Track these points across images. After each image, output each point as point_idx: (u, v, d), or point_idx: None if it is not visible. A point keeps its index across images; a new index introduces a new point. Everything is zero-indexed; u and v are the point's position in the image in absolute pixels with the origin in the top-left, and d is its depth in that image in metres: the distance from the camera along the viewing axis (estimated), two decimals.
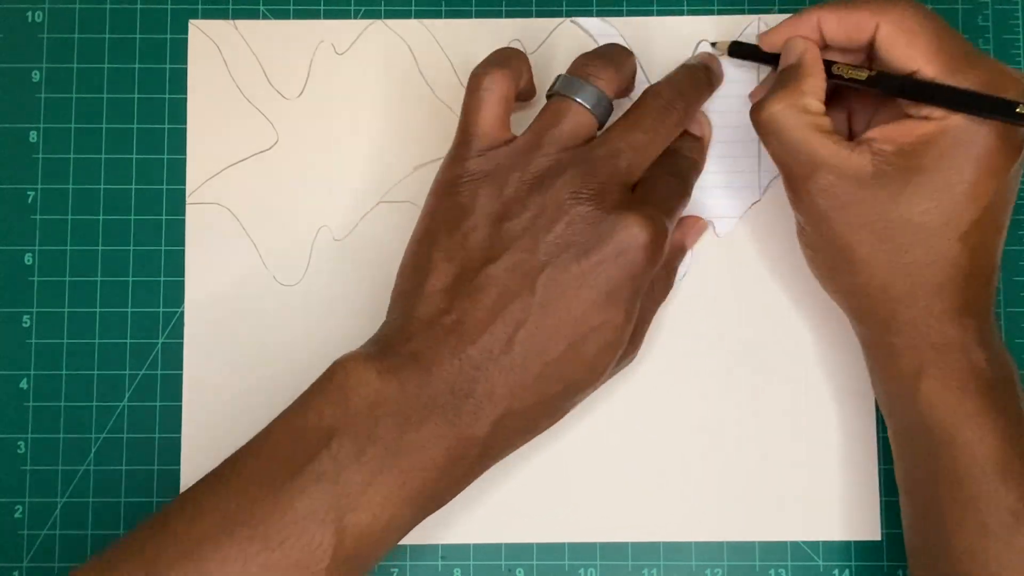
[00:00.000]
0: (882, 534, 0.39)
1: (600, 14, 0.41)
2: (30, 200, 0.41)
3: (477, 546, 0.39)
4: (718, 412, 0.40)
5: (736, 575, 0.39)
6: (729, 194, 0.41)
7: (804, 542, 0.39)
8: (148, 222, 0.41)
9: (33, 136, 0.41)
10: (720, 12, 0.41)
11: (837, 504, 0.39)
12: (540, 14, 0.41)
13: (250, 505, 0.30)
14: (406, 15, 0.42)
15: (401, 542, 0.39)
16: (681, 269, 0.40)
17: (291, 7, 0.42)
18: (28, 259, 0.40)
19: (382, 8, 0.42)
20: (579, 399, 0.35)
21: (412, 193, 0.41)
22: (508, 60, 0.36)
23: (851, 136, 0.38)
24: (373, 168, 0.41)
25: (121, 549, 0.31)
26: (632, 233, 0.32)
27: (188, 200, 0.41)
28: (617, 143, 0.34)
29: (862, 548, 0.39)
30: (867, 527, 0.39)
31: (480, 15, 0.42)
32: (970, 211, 0.33)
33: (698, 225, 0.40)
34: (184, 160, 0.41)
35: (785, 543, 0.39)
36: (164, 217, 0.41)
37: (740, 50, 0.40)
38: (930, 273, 0.33)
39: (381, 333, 0.34)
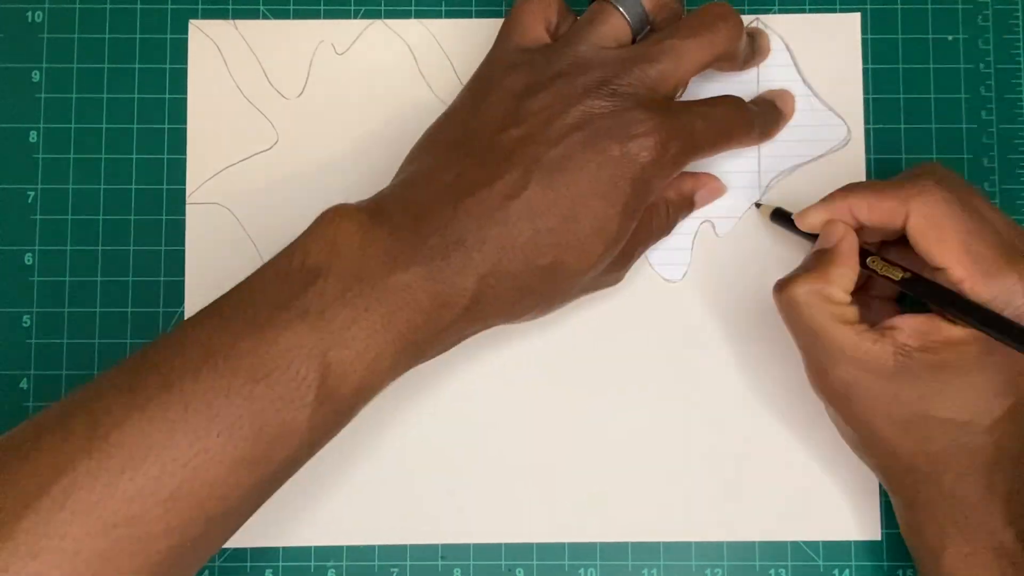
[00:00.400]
0: (882, 534, 0.39)
1: None
2: (30, 200, 0.41)
3: (477, 546, 0.39)
4: (718, 412, 0.40)
5: (736, 575, 0.39)
6: (729, 194, 0.41)
7: (804, 542, 0.39)
8: (148, 222, 0.41)
9: (33, 136, 0.41)
10: None
11: (837, 504, 0.39)
12: None
13: (233, 340, 0.29)
14: (406, 15, 0.42)
15: (401, 542, 0.39)
16: (680, 268, 0.40)
17: (291, 7, 0.42)
18: (28, 259, 0.40)
19: (382, 8, 0.42)
20: (567, 289, 0.35)
21: None
22: None
23: (871, 304, 0.37)
24: (373, 168, 0.41)
25: (103, 381, 0.30)
26: (643, 131, 0.32)
27: (188, 200, 0.41)
28: (652, 48, 0.34)
29: (862, 548, 0.39)
30: (867, 527, 0.39)
31: (480, 15, 0.42)
32: (998, 408, 0.33)
33: (713, 185, 0.39)
34: (184, 160, 0.41)
35: (785, 543, 0.39)
36: (164, 217, 0.41)
37: (781, 219, 0.38)
38: (954, 461, 0.33)
39: (381, 191, 0.34)
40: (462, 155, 0.33)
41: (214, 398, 0.28)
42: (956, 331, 0.32)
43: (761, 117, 0.38)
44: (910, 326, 0.33)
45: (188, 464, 0.28)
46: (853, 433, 0.35)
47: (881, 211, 0.34)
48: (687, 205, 0.40)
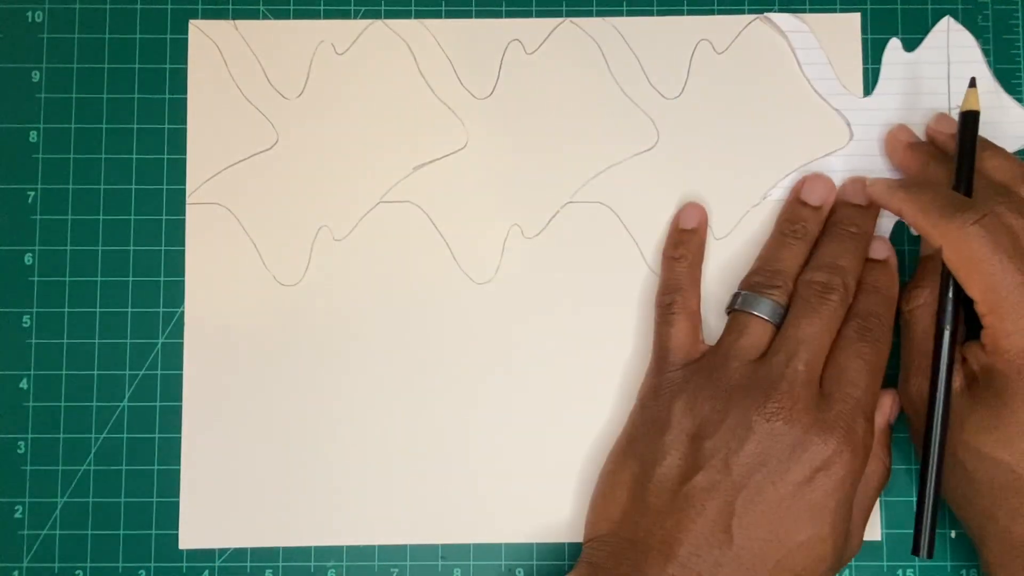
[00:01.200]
0: (882, 534, 0.39)
1: (600, 14, 0.41)
2: (30, 200, 0.41)
3: (477, 546, 0.39)
4: None
5: None
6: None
7: None
8: (148, 222, 0.41)
9: (33, 136, 0.41)
10: (720, 12, 0.41)
11: None
12: (540, 14, 0.41)
13: None
14: (406, 15, 0.42)
15: (401, 542, 0.39)
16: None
17: (291, 7, 0.42)
18: (28, 259, 0.40)
19: (382, 8, 0.42)
20: None
21: (412, 193, 0.41)
22: (683, 279, 0.38)
23: None
24: (373, 168, 0.41)
25: None
26: (827, 449, 0.33)
27: (188, 200, 0.41)
28: (790, 344, 0.35)
29: (862, 548, 0.39)
30: (867, 527, 0.39)
31: (480, 15, 0.42)
32: None
33: (893, 402, 0.38)
34: (184, 160, 0.41)
35: None
36: (164, 217, 0.41)
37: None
38: (1002, 500, 0.33)
39: (590, 555, 0.35)
40: (663, 513, 0.33)
41: None
42: (993, 359, 0.33)
43: (873, 322, 0.36)
44: (968, 350, 0.35)
45: None
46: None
47: (920, 230, 0.35)
48: (886, 433, 0.37)
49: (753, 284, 0.37)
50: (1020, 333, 0.33)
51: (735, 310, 0.37)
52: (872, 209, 0.39)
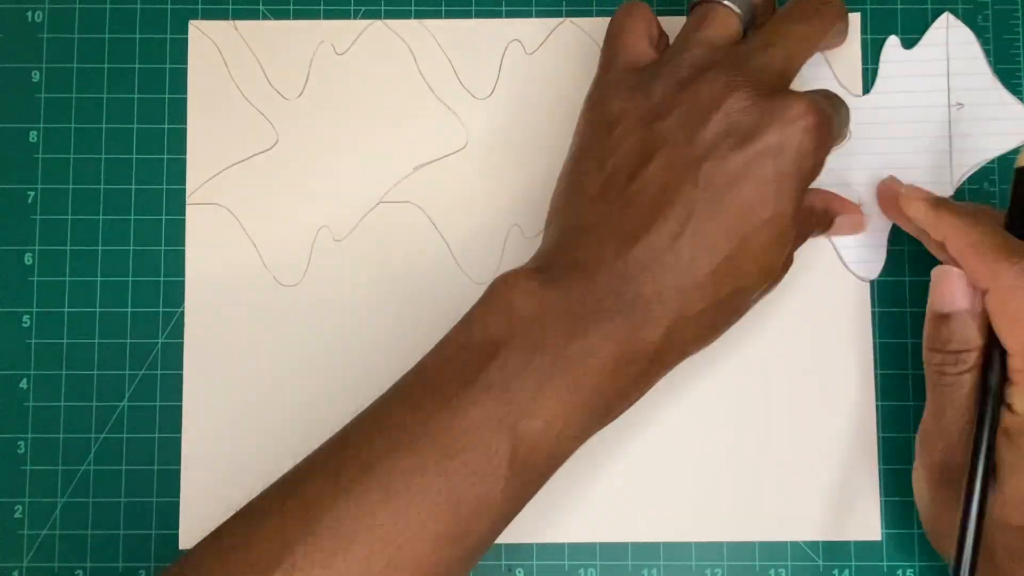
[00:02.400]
0: (882, 534, 0.39)
1: (600, 14, 0.41)
2: (30, 200, 0.41)
3: None
4: (718, 412, 0.40)
5: (736, 575, 0.39)
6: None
7: (804, 542, 0.39)
8: (148, 222, 0.41)
9: (33, 136, 0.41)
10: None
11: (837, 504, 0.39)
12: (540, 14, 0.42)
13: (425, 419, 0.29)
14: (406, 15, 0.42)
15: None
16: None
17: (291, 7, 0.42)
18: (28, 259, 0.40)
19: (382, 8, 0.42)
20: (749, 304, 0.33)
21: (412, 193, 0.41)
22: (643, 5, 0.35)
23: None
24: (373, 168, 0.41)
25: (305, 467, 0.31)
26: (797, 113, 0.30)
27: (188, 200, 0.41)
28: (770, 35, 0.33)
29: (862, 548, 0.39)
30: (867, 527, 0.39)
31: (480, 15, 0.42)
32: None
33: (858, 218, 0.37)
34: (184, 160, 0.41)
35: (785, 543, 0.39)
36: (164, 217, 0.41)
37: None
38: (1011, 566, 0.32)
39: (540, 250, 0.33)
40: (612, 202, 0.31)
41: (412, 477, 0.29)
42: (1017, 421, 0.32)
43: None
44: None
45: (393, 543, 0.28)
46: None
47: (966, 266, 0.33)
48: (825, 222, 0.37)
49: None
50: None
51: (698, 2, 0.34)
52: None
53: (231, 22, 0.41)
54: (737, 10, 0.34)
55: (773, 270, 0.32)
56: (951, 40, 0.41)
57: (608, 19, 0.41)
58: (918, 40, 0.41)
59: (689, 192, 0.30)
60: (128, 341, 0.40)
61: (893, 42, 0.41)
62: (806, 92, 0.32)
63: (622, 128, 0.32)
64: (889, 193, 0.37)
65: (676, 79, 0.32)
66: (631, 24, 0.35)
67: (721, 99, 0.31)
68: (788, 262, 0.34)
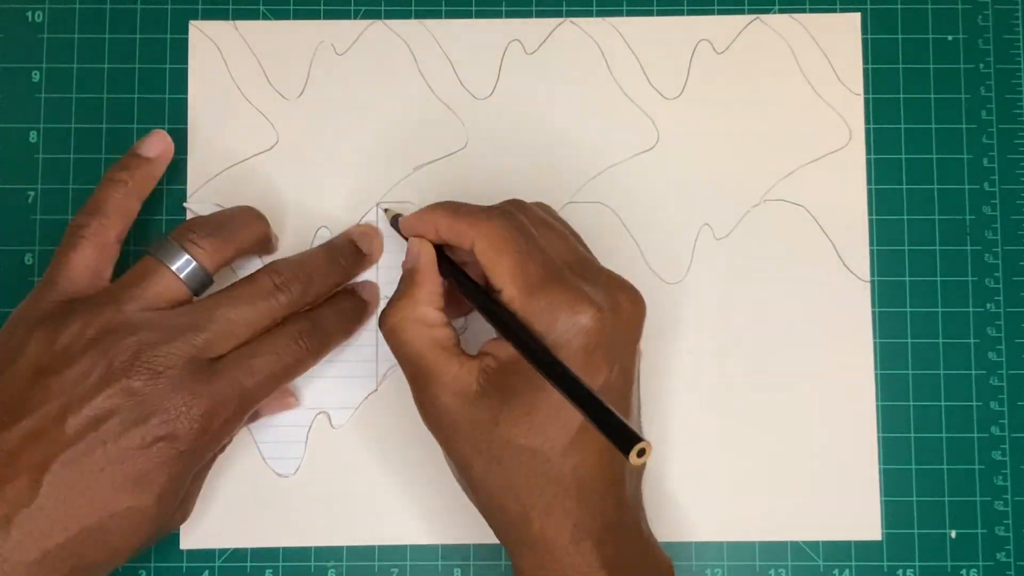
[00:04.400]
0: (882, 534, 0.39)
1: (600, 14, 0.41)
2: (30, 200, 0.41)
3: (477, 546, 0.39)
4: (717, 413, 0.40)
5: (736, 575, 0.39)
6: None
7: (804, 542, 0.39)
8: (148, 222, 0.41)
9: (33, 136, 0.41)
10: (720, 12, 0.42)
11: (837, 504, 0.39)
12: (540, 14, 0.41)
13: None
14: (406, 15, 0.42)
15: (401, 542, 0.39)
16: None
17: (291, 7, 0.42)
18: (28, 259, 0.40)
19: (382, 8, 0.42)
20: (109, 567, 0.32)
21: (412, 193, 0.41)
22: (112, 205, 0.35)
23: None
24: (373, 168, 0.41)
25: None
26: (176, 414, 0.31)
27: (188, 200, 0.41)
28: (201, 315, 0.33)
29: (862, 548, 0.39)
30: (867, 527, 0.39)
31: (480, 15, 0.42)
32: (564, 435, 0.31)
33: (285, 401, 0.38)
34: (184, 160, 0.41)
35: (785, 543, 0.39)
36: (164, 217, 0.41)
37: (397, 226, 0.37)
38: (539, 497, 0.31)
39: None
40: None
41: None
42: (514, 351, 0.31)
43: (318, 335, 0.35)
44: (491, 347, 0.32)
45: None
46: (454, 467, 0.34)
47: (455, 231, 0.33)
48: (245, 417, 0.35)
49: (182, 233, 0.34)
50: (548, 310, 0.31)
51: (147, 253, 0.34)
52: (368, 260, 0.38)
53: (231, 22, 0.41)
54: (184, 280, 0.33)
55: (123, 553, 0.32)
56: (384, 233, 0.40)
57: (607, 19, 0.41)
58: (920, 39, 0.41)
59: (33, 477, 0.29)
60: None
61: (324, 234, 0.40)
62: (210, 380, 0.32)
63: (13, 370, 0.31)
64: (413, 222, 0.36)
65: (89, 332, 0.31)
66: (84, 250, 0.34)
67: (118, 376, 0.30)
68: (185, 515, 0.34)
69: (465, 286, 0.33)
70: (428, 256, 0.34)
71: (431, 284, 0.33)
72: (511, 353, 0.31)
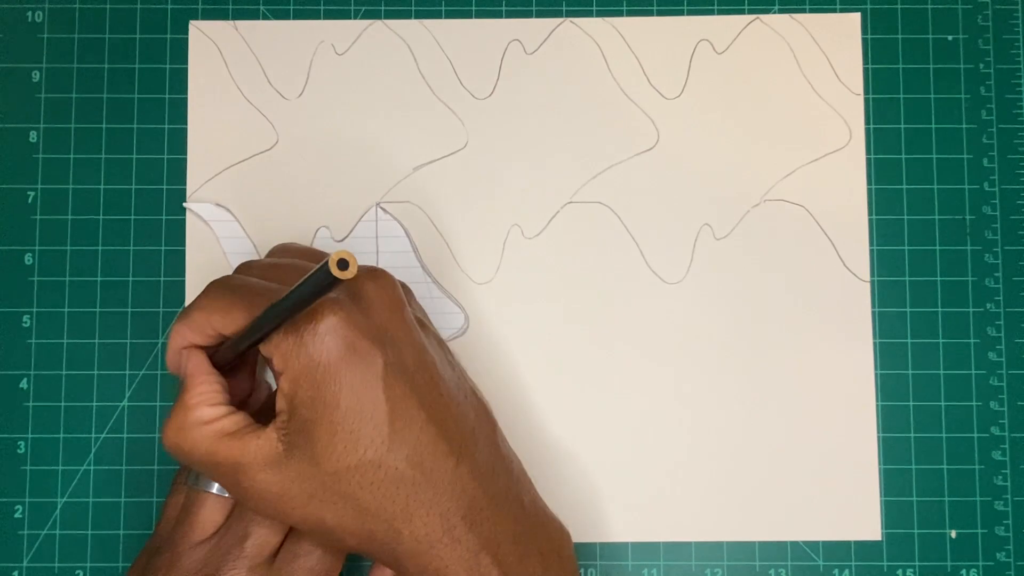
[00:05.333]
0: (882, 534, 0.39)
1: (600, 14, 0.41)
2: (30, 200, 0.41)
3: None
4: (717, 413, 0.40)
5: (736, 575, 0.39)
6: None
7: (804, 542, 0.39)
8: (148, 222, 0.41)
9: (33, 136, 0.41)
10: (720, 12, 0.42)
11: (837, 504, 0.39)
12: (540, 14, 0.41)
13: None
14: (406, 15, 0.42)
15: None
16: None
17: (291, 7, 0.42)
18: (28, 259, 0.40)
19: (382, 8, 0.42)
20: None
21: (412, 193, 0.41)
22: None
23: None
24: (373, 168, 0.41)
25: None
26: None
27: (188, 200, 0.41)
28: (240, 524, 0.33)
29: (862, 548, 0.39)
30: (867, 527, 0.39)
31: (480, 15, 0.42)
32: (376, 434, 0.30)
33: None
34: (184, 160, 0.41)
35: (785, 543, 0.39)
36: (164, 217, 0.41)
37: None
38: (390, 503, 0.31)
39: None
40: None
41: None
42: (282, 379, 0.31)
43: None
44: (276, 403, 0.31)
45: None
46: (314, 536, 0.33)
47: (197, 331, 0.32)
48: None
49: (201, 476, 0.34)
50: (299, 335, 0.30)
51: (188, 486, 0.35)
52: None
53: (231, 22, 0.41)
54: (216, 491, 0.34)
55: None
56: (380, 232, 0.40)
57: (607, 19, 0.41)
58: (920, 40, 0.41)
59: None
60: (128, 341, 0.40)
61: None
62: None
63: None
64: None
65: None
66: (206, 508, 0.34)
67: None
68: None
69: (233, 344, 0.32)
70: (193, 360, 0.33)
71: (201, 384, 0.32)
72: (298, 385, 0.30)
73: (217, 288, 0.32)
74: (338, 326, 0.30)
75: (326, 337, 0.30)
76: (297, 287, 0.27)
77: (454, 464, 0.31)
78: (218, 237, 0.40)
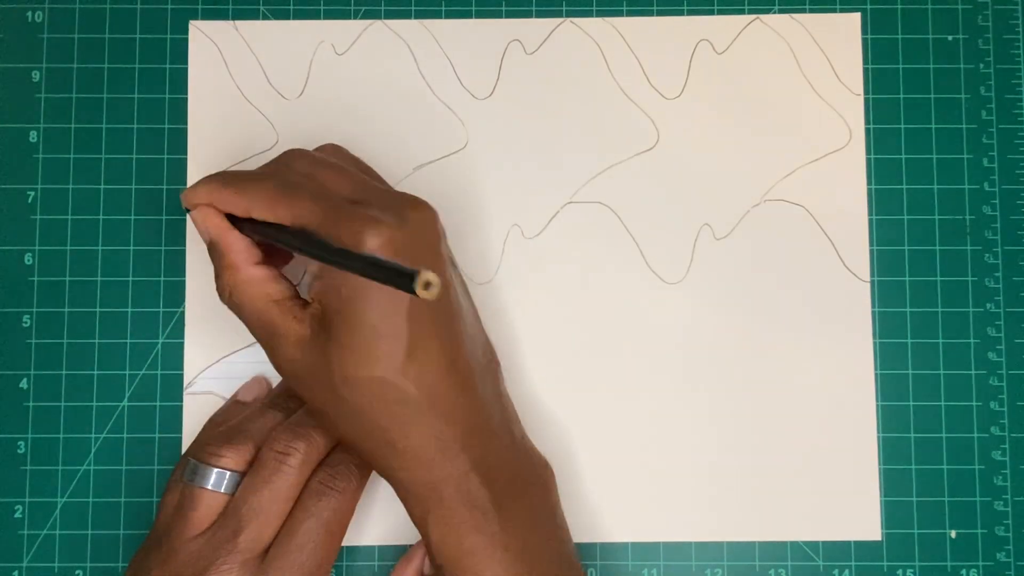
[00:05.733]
0: (882, 534, 0.39)
1: (600, 14, 0.41)
2: (30, 200, 0.41)
3: None
4: (717, 413, 0.40)
5: (736, 575, 0.39)
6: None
7: (804, 542, 0.39)
8: (148, 222, 0.41)
9: (33, 136, 0.41)
10: (720, 12, 0.42)
11: (837, 504, 0.39)
12: (540, 14, 0.41)
13: None
14: (406, 15, 0.42)
15: (403, 542, 0.39)
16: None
17: (291, 7, 0.42)
18: (28, 259, 0.40)
19: (382, 8, 0.42)
20: None
21: (412, 193, 0.41)
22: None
23: None
24: (373, 168, 0.41)
25: None
26: None
27: None
28: (232, 520, 0.34)
29: (862, 548, 0.39)
30: (867, 527, 0.39)
31: (480, 15, 0.42)
32: (393, 354, 0.31)
33: (424, 554, 0.37)
34: (184, 160, 0.41)
35: (785, 543, 0.39)
36: (164, 217, 0.41)
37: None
38: (391, 419, 0.32)
39: None
40: None
41: None
42: (325, 280, 0.32)
43: (342, 470, 0.36)
44: (316, 293, 0.33)
45: None
46: (316, 418, 0.35)
47: (230, 203, 0.34)
48: None
49: (201, 451, 0.35)
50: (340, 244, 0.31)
51: (184, 482, 0.35)
52: None
53: (231, 22, 0.41)
54: (224, 492, 0.34)
55: None
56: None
57: (607, 19, 0.41)
58: (920, 40, 0.41)
59: None
60: (128, 341, 0.40)
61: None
62: None
63: None
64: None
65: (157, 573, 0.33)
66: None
67: None
68: None
69: (264, 232, 0.33)
70: (216, 222, 0.34)
71: (238, 244, 0.34)
72: (330, 291, 0.32)
73: (266, 178, 0.33)
74: (381, 248, 0.30)
75: (374, 250, 0.30)
76: (368, 266, 0.27)
77: (457, 394, 0.33)
78: None
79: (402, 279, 0.25)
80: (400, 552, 0.39)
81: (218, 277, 0.34)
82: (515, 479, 0.34)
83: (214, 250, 0.35)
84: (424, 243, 0.32)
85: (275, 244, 0.33)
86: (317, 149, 0.36)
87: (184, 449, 0.39)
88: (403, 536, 0.39)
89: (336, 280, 0.32)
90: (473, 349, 0.34)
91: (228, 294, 0.34)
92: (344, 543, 0.39)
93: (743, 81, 0.41)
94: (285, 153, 0.35)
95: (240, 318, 0.35)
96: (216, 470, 0.34)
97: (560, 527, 0.36)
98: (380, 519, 0.39)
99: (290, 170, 0.33)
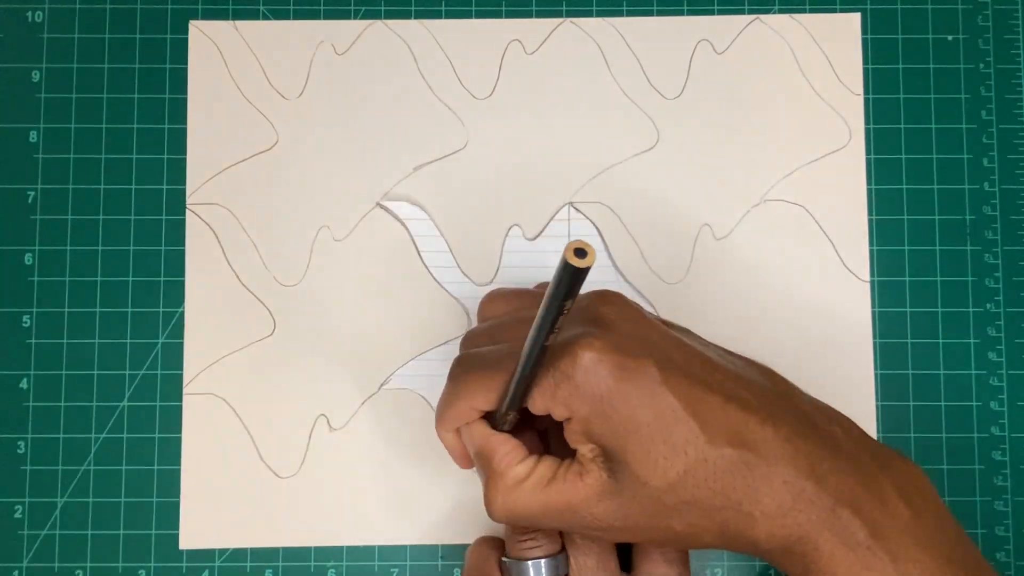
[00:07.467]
0: None
1: (600, 14, 0.41)
2: (30, 200, 0.41)
3: None
4: None
5: (736, 575, 0.39)
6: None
7: None
8: (148, 222, 0.41)
9: (33, 136, 0.41)
10: (720, 12, 0.42)
11: None
12: (540, 14, 0.42)
13: None
14: (406, 15, 0.42)
15: (401, 542, 0.39)
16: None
17: (291, 7, 0.42)
18: (28, 259, 0.40)
19: (382, 8, 0.42)
20: None
21: (412, 193, 0.41)
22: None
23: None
24: (373, 168, 0.41)
25: None
26: None
27: (188, 200, 0.41)
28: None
29: None
30: None
31: (480, 15, 0.42)
32: (690, 430, 0.30)
33: None
34: (184, 160, 0.41)
35: None
36: (164, 217, 0.41)
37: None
38: (730, 502, 0.30)
39: None
40: None
41: None
42: (570, 411, 0.30)
43: None
44: (573, 439, 0.31)
45: None
46: (668, 543, 0.33)
47: (457, 416, 0.33)
48: None
49: (517, 547, 0.35)
50: (563, 378, 0.30)
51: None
52: None
53: (231, 22, 0.41)
54: (558, 573, 0.34)
55: None
56: (573, 232, 0.40)
57: (607, 19, 0.41)
58: (920, 40, 0.41)
59: None
60: (128, 341, 0.40)
61: (516, 232, 0.40)
62: None
63: None
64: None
65: None
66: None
67: None
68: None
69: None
70: (476, 432, 0.33)
71: (498, 446, 0.32)
72: (589, 433, 0.30)
73: (462, 372, 0.32)
74: (601, 355, 0.30)
75: (595, 369, 0.30)
76: (550, 292, 0.26)
77: (773, 429, 0.30)
78: (412, 236, 0.40)
79: (562, 275, 0.25)
80: (400, 552, 0.39)
81: (489, 491, 0.32)
82: (886, 496, 0.30)
83: (483, 463, 0.33)
84: (630, 324, 0.31)
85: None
86: (477, 316, 0.35)
87: (183, 449, 0.39)
88: (403, 536, 0.39)
89: (587, 411, 0.30)
90: (749, 379, 0.32)
91: (502, 503, 0.32)
92: (344, 543, 0.39)
93: (743, 81, 0.41)
94: (461, 344, 0.34)
95: (526, 522, 0.32)
96: (532, 562, 0.34)
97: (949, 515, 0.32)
98: (380, 519, 0.39)
99: (478, 354, 0.33)
